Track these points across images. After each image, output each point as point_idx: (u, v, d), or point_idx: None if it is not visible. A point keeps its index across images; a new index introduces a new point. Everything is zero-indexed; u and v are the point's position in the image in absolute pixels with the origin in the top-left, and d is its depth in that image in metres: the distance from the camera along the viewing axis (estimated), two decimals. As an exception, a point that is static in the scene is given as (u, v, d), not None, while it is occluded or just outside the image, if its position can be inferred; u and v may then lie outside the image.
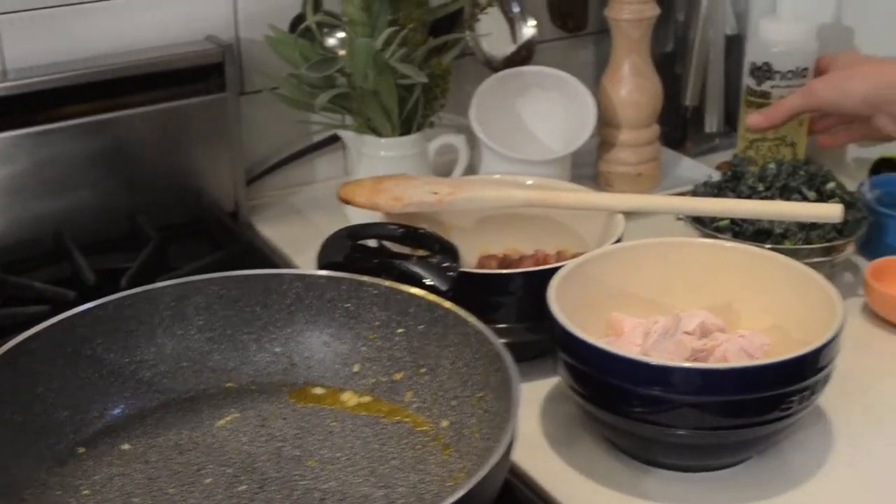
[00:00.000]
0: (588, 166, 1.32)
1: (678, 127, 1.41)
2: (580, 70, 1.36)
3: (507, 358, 0.79)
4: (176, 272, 1.08)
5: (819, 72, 1.23)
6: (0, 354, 0.82)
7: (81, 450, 0.84)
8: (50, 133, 1.15)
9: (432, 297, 0.87)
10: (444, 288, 0.89)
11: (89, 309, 0.87)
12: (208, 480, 0.81)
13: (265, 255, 1.18)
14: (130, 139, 1.19)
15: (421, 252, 0.93)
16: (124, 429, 0.87)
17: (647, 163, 1.29)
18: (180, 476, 0.82)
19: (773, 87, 1.24)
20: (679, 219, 1.11)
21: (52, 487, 0.81)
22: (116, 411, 0.88)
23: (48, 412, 0.84)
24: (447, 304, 0.86)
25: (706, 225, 1.10)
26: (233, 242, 1.19)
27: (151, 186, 1.21)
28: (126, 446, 0.85)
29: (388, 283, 0.89)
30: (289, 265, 1.18)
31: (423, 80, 1.12)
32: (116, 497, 0.80)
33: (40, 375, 0.84)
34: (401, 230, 0.93)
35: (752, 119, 1.21)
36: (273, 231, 1.26)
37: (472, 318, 0.84)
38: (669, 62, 1.39)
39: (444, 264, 0.90)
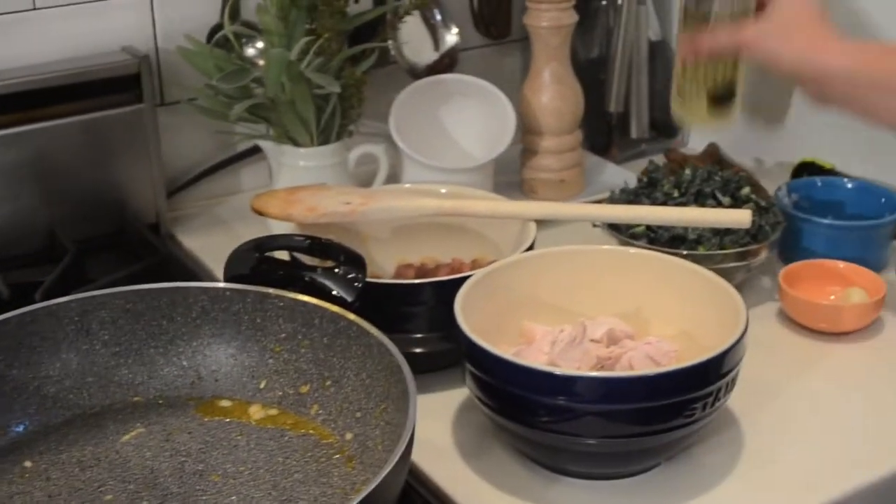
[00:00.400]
0: (512, 173, 1.32)
1: (603, 133, 1.41)
2: (506, 77, 1.36)
3: (406, 369, 0.79)
4: (91, 285, 1.07)
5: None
6: None
7: (-19, 468, 0.84)
8: (-36, 146, 1.14)
9: (335, 308, 0.87)
10: (349, 299, 0.89)
11: (-11, 325, 0.86)
12: (108, 497, 0.81)
13: (185, 267, 1.17)
14: (48, 151, 1.18)
15: (328, 263, 0.92)
16: (28, 446, 0.86)
17: (570, 169, 1.30)
18: (80, 493, 0.81)
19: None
20: (595, 226, 1.11)
21: (-51, 508, 0.80)
22: (20, 428, 0.87)
23: (-54, 431, 0.84)
24: (350, 316, 0.86)
25: (622, 232, 1.10)
26: (152, 254, 1.18)
27: (70, 199, 1.20)
28: (28, 464, 0.84)
29: (292, 294, 0.89)
30: (210, 276, 1.17)
31: (335, 90, 1.11)
32: (15, 517, 0.79)
33: (-63, 394, 0.83)
34: (307, 241, 0.93)
35: (681, 47, 1.09)
36: (195, 242, 1.26)
37: (374, 330, 0.84)
38: (594, 68, 1.40)
39: (350, 275, 0.90)
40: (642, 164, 1.40)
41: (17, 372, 0.88)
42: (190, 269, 1.17)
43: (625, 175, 1.33)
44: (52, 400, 0.89)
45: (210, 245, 1.25)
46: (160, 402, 0.91)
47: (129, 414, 0.89)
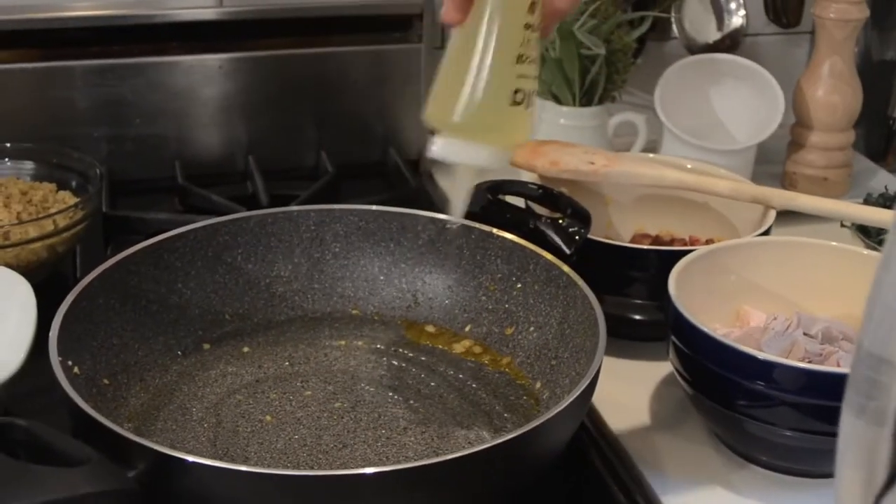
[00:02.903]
0: (776, 164, 1.29)
1: (883, 138, 1.35)
2: (791, 67, 1.33)
3: (601, 321, 0.80)
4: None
5: None
6: (144, 247, 0.89)
7: (206, 346, 0.91)
8: (253, 60, 1.23)
9: (551, 256, 0.89)
10: (568, 251, 0.90)
11: (233, 219, 0.94)
12: (308, 393, 0.86)
13: (430, 201, 1.21)
14: (325, 76, 1.25)
15: (555, 214, 0.94)
16: (249, 334, 0.93)
17: (837, 168, 1.25)
18: (284, 385, 0.87)
19: None
20: (844, 226, 1.08)
21: (170, 374, 0.87)
22: (246, 318, 0.94)
23: (182, 307, 0.91)
24: (563, 266, 0.88)
25: (871, 237, 1.06)
26: (404, 186, 1.23)
27: (340, 124, 1.28)
28: (246, 349, 0.91)
29: (513, 237, 0.91)
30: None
31: (601, 52, 1.12)
32: (223, 391, 0.86)
33: (180, 272, 0.91)
34: (539, 190, 0.95)
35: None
36: (447, 182, 1.29)
37: (581, 282, 0.85)
38: (886, 69, 1.34)
39: (572, 228, 0.91)
40: (919, 176, 1.34)
41: (253, 266, 0.95)
42: (434, 204, 1.22)
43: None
44: (280, 298, 0.95)
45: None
46: (375, 318, 0.95)
47: (346, 324, 0.95)
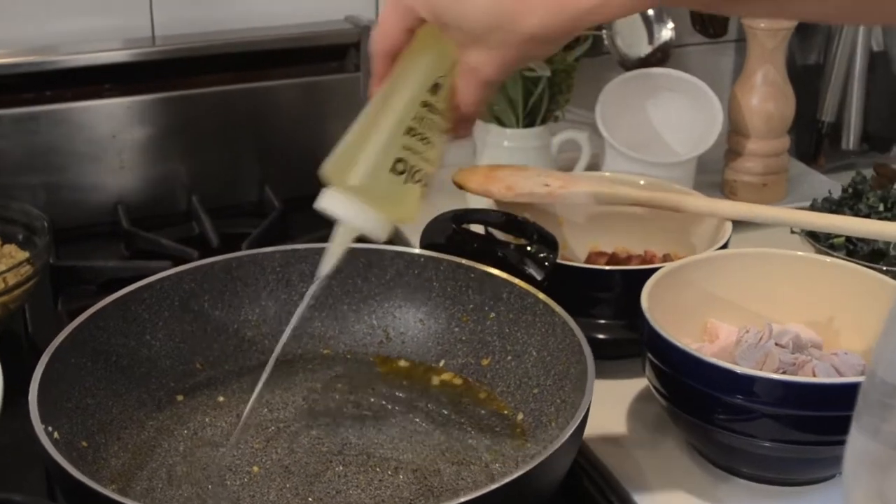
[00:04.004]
0: (714, 173, 1.31)
1: (813, 141, 1.39)
2: (718, 77, 1.36)
3: (587, 349, 0.81)
4: (294, 241, 1.12)
5: None
6: (113, 300, 0.87)
7: (180, 397, 0.89)
8: (190, 99, 1.21)
9: (525, 284, 0.89)
10: (539, 277, 0.91)
11: (198, 266, 0.92)
12: (292, 439, 0.85)
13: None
14: (265, 111, 1.24)
15: (521, 241, 0.94)
16: (222, 383, 0.91)
17: (775, 174, 1.28)
18: (266, 432, 0.86)
19: None
20: (794, 232, 1.10)
21: (147, 430, 0.86)
22: (217, 366, 0.92)
23: (153, 359, 0.89)
24: (539, 294, 0.88)
25: (821, 241, 1.08)
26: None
27: (282, 158, 1.26)
28: (221, 398, 0.90)
29: (484, 267, 0.91)
30: (407, 243, 1.21)
31: (546, 74, 1.13)
32: (205, 444, 0.84)
33: (147, 323, 0.89)
34: (503, 217, 0.95)
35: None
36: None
37: (559, 309, 0.86)
38: (810, 75, 1.37)
39: (542, 254, 0.92)
40: (850, 175, 1.37)
41: (220, 313, 0.93)
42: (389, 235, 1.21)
43: (830, 185, 1.30)
44: (249, 343, 0.94)
45: (409, 215, 1.28)
46: (348, 356, 0.94)
47: (319, 365, 0.94)
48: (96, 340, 0.85)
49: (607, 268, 0.99)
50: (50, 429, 0.75)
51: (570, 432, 0.73)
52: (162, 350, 0.90)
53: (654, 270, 0.94)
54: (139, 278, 0.91)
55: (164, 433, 0.85)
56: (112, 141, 1.20)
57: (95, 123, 1.19)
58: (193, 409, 0.88)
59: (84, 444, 0.81)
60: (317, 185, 1.26)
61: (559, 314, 0.85)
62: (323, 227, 1.18)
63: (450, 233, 0.96)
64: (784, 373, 0.89)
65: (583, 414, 0.74)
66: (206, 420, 0.87)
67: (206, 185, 1.23)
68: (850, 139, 1.38)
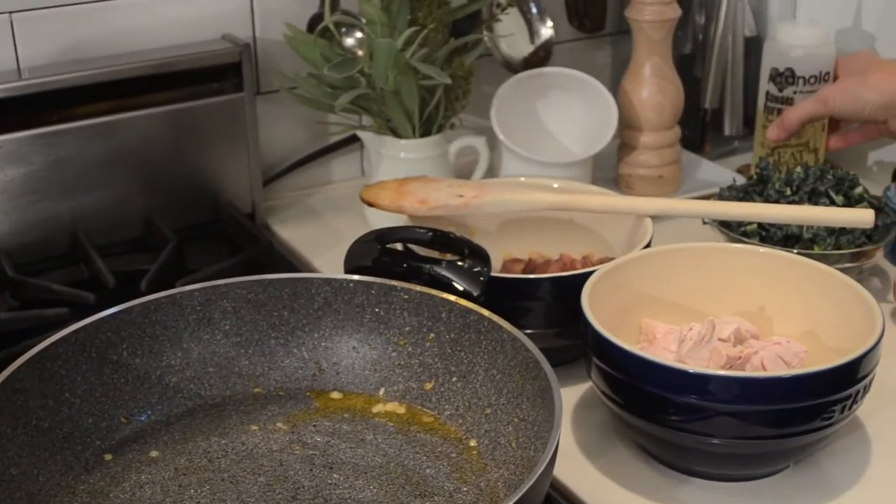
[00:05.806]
0: (609, 168, 1.30)
1: (697, 130, 1.39)
2: (598, 71, 1.35)
3: (546, 365, 0.78)
4: (195, 274, 1.06)
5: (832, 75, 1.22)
6: (27, 360, 0.80)
7: (108, 456, 0.83)
8: (64, 133, 1.13)
9: (465, 302, 0.86)
10: (475, 293, 0.88)
11: (115, 313, 0.86)
12: (240, 489, 0.80)
13: (284, 258, 1.16)
14: (146, 139, 1.17)
15: (450, 256, 0.91)
16: (151, 435, 0.85)
17: (669, 165, 1.28)
18: (211, 485, 0.80)
19: (795, 92, 1.23)
20: (705, 223, 1.10)
21: (79, 495, 0.79)
22: (143, 417, 0.86)
23: (74, 418, 0.83)
24: (483, 311, 0.85)
25: (733, 229, 1.08)
26: (251, 244, 1.17)
27: (167, 187, 1.20)
28: (154, 453, 0.83)
29: (419, 287, 0.88)
30: (307, 267, 1.17)
31: (446, 81, 1.10)
32: (147, 505, 0.78)
33: (65, 380, 0.83)
34: (430, 234, 0.92)
35: (771, 133, 1.22)
36: (290, 232, 1.24)
37: (507, 325, 0.83)
38: (688, 64, 1.38)
39: (476, 269, 0.89)
40: (735, 161, 1.40)
41: (140, 361, 0.87)
42: (288, 259, 1.16)
43: (720, 172, 1.32)
44: (174, 390, 0.88)
45: (305, 235, 1.24)
46: (281, 393, 0.89)
47: (251, 405, 0.88)
48: (14, 405, 0.78)
49: (539, 276, 0.96)
50: (-20, 509, 0.69)
51: (550, 454, 0.70)
52: (83, 407, 0.83)
53: (584, 275, 0.92)
54: (37, 329, 0.84)
55: (99, 497, 0.79)
56: (-17, 184, 1.11)
57: (-37, 166, 1.10)
58: (125, 466, 0.82)
59: (15, 520, 0.74)
60: (209, 212, 1.22)
61: (507, 330, 0.82)
62: (224, 256, 1.14)
63: (375, 254, 0.92)
64: (731, 367, 0.88)
65: (557, 433, 0.72)
66: (143, 478, 0.81)
67: (89, 222, 1.15)
68: (733, 125, 1.39)
